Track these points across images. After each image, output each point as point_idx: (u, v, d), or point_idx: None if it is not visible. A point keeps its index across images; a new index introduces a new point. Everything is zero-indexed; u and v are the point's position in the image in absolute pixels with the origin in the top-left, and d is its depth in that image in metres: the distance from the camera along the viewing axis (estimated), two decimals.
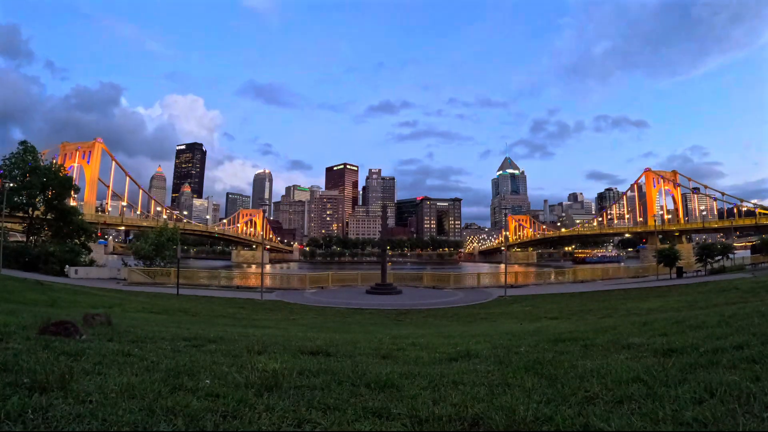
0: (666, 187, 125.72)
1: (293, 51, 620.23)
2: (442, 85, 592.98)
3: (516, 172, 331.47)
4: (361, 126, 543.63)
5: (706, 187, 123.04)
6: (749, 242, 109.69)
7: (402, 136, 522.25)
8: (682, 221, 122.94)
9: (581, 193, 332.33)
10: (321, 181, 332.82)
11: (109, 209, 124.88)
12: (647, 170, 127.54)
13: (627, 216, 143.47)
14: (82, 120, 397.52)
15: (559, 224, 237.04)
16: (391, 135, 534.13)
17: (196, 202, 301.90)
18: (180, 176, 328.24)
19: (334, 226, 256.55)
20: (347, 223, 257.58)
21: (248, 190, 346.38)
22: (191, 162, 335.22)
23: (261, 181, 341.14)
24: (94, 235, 47.97)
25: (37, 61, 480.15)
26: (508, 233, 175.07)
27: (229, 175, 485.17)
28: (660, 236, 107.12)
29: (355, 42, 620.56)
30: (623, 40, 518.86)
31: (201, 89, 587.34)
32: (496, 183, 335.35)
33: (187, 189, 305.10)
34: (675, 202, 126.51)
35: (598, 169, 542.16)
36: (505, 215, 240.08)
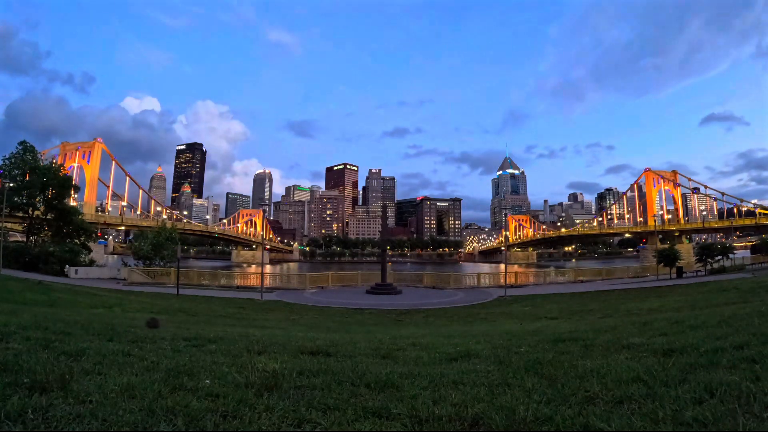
0: (666, 187, 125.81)
1: (315, 82, 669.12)
2: (450, 116, 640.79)
3: (516, 172, 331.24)
4: (373, 147, 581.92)
5: (706, 187, 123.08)
6: (749, 242, 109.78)
7: (408, 155, 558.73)
8: (682, 221, 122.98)
9: (581, 193, 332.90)
10: (321, 181, 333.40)
11: (109, 209, 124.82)
12: (647, 170, 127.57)
13: (627, 216, 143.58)
14: (123, 135, 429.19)
15: (559, 224, 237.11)
16: (398, 154, 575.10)
17: (196, 202, 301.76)
18: (180, 176, 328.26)
19: (334, 226, 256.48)
20: (347, 223, 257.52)
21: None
22: (191, 162, 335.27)
23: (261, 181, 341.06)
24: (94, 235, 47.93)
25: (106, 98, 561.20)
26: (508, 233, 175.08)
27: (245, 183, 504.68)
28: (660, 236, 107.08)
29: (375, 78, 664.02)
30: (598, 67, 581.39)
31: (237, 116, 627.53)
32: (496, 183, 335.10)
33: (187, 189, 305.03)
34: (675, 202, 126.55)
35: (577, 180, 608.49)
36: (505, 215, 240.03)
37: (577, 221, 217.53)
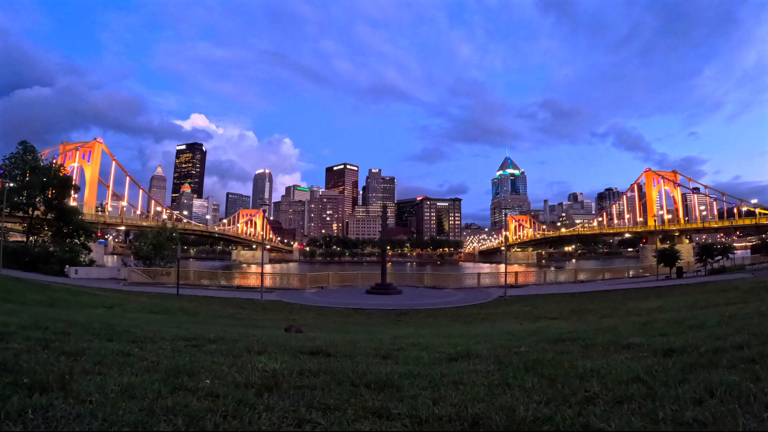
0: (666, 187, 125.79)
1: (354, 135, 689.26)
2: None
3: (516, 172, 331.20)
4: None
5: (706, 187, 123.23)
6: (749, 242, 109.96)
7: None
8: (682, 221, 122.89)
9: (581, 193, 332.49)
10: (321, 181, 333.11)
11: (110, 209, 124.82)
12: (647, 170, 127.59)
13: (627, 216, 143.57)
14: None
15: (559, 224, 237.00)
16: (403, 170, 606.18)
17: (196, 202, 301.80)
18: (180, 176, 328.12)
19: (334, 226, 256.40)
20: (347, 223, 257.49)
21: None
22: (191, 162, 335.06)
23: (261, 181, 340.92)
24: (94, 235, 47.91)
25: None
26: (508, 233, 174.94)
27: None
28: (660, 236, 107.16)
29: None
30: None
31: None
32: (496, 183, 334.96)
33: (187, 189, 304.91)
34: (675, 202, 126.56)
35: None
36: (505, 215, 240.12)
37: (578, 221, 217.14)
